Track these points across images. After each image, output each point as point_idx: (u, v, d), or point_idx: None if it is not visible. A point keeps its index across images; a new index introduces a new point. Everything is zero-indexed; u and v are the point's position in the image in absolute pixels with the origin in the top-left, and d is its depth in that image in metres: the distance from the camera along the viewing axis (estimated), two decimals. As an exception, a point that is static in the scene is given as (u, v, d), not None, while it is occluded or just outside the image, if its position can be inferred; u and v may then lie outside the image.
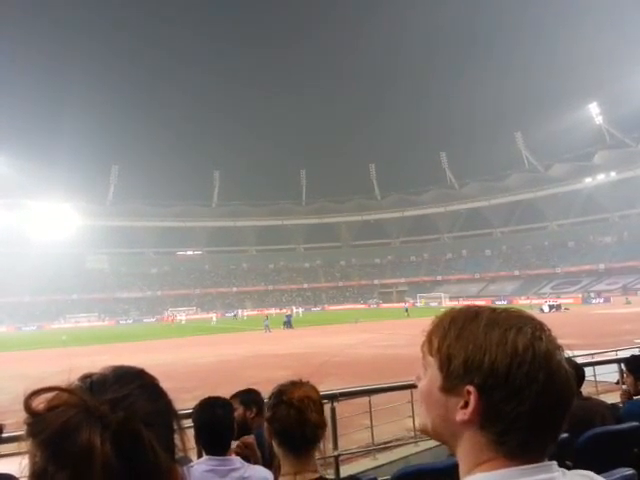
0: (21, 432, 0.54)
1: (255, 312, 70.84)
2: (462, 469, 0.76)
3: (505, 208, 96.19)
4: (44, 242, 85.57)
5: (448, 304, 69.09)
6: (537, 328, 0.75)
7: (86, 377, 0.64)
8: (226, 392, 2.89)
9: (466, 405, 0.74)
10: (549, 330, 0.77)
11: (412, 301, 71.54)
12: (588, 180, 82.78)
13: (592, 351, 10.31)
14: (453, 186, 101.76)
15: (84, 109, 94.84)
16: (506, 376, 0.71)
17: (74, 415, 0.57)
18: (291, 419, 1.58)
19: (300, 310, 57.92)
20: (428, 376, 0.80)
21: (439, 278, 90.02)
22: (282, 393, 1.66)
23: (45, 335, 48.09)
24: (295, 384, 1.71)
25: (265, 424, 1.66)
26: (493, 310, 0.79)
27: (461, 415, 0.74)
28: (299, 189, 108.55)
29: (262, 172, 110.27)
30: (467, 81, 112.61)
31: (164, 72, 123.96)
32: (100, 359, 22.93)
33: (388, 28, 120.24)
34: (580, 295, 63.98)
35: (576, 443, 1.96)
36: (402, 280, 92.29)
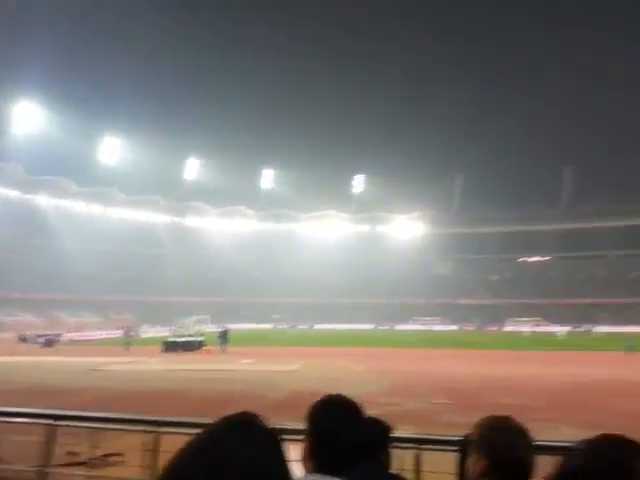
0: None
1: (612, 328, 61.41)
2: None
3: None
4: (396, 249, 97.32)
5: None
6: None
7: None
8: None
9: None
10: None
11: None
12: None
13: None
14: None
15: (430, 124, 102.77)
16: None
17: None
18: None
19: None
20: None
21: None
22: None
23: (397, 334, 54.03)
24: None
25: None
26: None
27: None
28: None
29: (623, 162, 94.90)
30: None
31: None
32: (450, 364, 24.18)
33: None
34: None
35: None
36: None
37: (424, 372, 20.62)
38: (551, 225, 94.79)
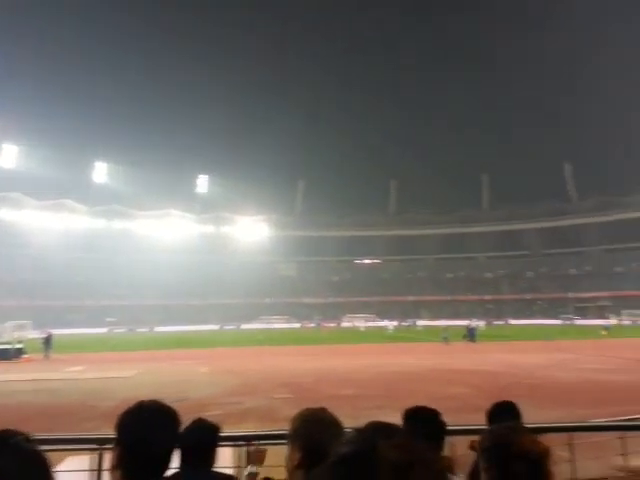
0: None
1: (431, 322, 69.40)
2: None
3: None
4: (243, 251, 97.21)
5: (665, 324, 58.58)
6: None
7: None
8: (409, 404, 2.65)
9: None
10: None
11: (618, 318, 62.31)
12: None
13: None
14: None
15: (274, 130, 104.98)
16: None
17: (431, 473, 0.63)
18: (529, 477, 1.31)
19: (481, 323, 54.64)
20: None
21: (652, 293, 76.85)
22: (509, 443, 1.37)
23: (243, 334, 54.06)
24: (515, 430, 1.45)
25: (485, 477, 1.42)
26: None
27: None
28: (480, 194, 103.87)
29: (439, 178, 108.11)
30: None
31: (345, 85, 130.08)
32: (293, 359, 24.87)
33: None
34: None
35: None
36: (604, 294, 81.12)
37: (268, 369, 20.91)
38: (381, 231, 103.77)
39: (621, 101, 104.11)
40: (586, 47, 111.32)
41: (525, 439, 1.40)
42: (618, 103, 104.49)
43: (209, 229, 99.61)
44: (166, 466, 1.64)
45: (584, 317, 74.48)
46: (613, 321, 55.49)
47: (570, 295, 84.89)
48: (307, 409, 1.61)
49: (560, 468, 5.62)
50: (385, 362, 23.32)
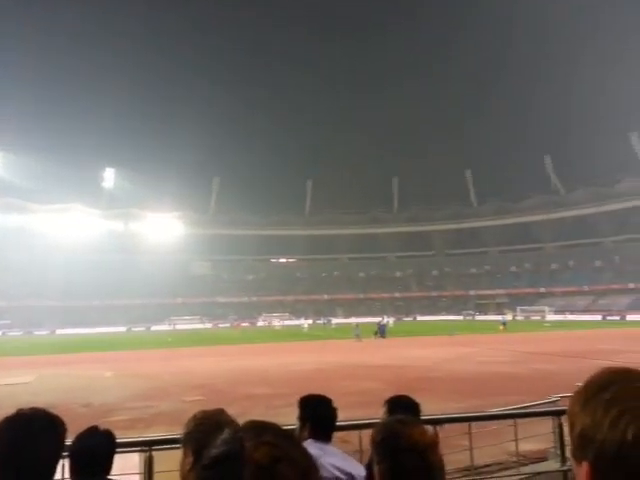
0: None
1: (345, 320, 71.15)
2: None
3: (617, 215, 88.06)
4: (154, 249, 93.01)
5: (552, 318, 64.63)
6: None
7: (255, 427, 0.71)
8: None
9: None
10: None
11: (513, 314, 67.68)
12: None
13: None
14: (558, 192, 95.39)
15: (189, 124, 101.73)
16: (613, 462, 0.65)
17: (297, 469, 0.63)
18: (418, 468, 1.38)
19: (391, 320, 56.98)
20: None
21: (542, 290, 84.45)
22: (399, 436, 1.43)
23: (152, 336, 51.93)
24: (404, 423, 1.52)
25: (377, 468, 1.48)
26: (629, 381, 0.71)
27: None
28: (391, 197, 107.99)
29: (353, 180, 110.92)
30: (574, 79, 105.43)
31: (260, 82, 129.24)
32: (205, 361, 24.29)
33: (489, 27, 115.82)
34: None
35: None
36: (501, 291, 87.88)
37: (178, 372, 20.28)
38: (297, 231, 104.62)
39: (518, 116, 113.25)
40: (490, 63, 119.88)
41: (414, 431, 1.46)
42: (515, 119, 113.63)
43: (117, 226, 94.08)
44: (47, 478, 1.54)
45: (484, 313, 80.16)
46: (509, 317, 60.15)
47: (471, 293, 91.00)
48: (201, 411, 1.58)
49: (460, 456, 6.04)
50: (300, 360, 23.53)
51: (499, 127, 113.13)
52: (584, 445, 0.70)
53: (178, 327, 69.46)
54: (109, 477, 2.33)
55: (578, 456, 0.72)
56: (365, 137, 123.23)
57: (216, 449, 0.68)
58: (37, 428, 1.52)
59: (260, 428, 0.71)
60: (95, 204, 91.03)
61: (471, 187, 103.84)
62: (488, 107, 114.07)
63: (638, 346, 24.82)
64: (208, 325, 74.57)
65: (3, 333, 62.37)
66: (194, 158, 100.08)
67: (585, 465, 0.70)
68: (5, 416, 1.53)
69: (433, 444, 1.46)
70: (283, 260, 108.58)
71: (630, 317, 61.50)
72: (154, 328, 69.81)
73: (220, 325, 74.89)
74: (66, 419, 2.28)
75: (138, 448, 4.29)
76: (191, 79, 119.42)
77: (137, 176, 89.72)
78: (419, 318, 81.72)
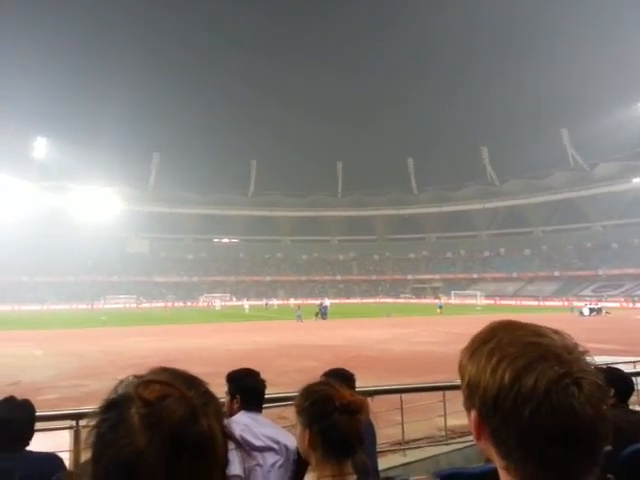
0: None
1: (285, 302, 71.47)
2: None
3: (547, 207, 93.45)
4: (88, 225, 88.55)
5: (483, 302, 68.00)
6: (535, 359, 0.69)
7: (159, 372, 0.70)
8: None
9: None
10: (560, 358, 0.69)
11: (446, 298, 70.59)
12: (636, 180, 79.29)
13: (635, 359, 9.95)
14: (493, 182, 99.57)
15: (128, 93, 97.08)
16: (494, 406, 0.69)
17: (187, 405, 0.62)
18: (347, 426, 1.49)
19: (328, 302, 57.79)
20: None
21: (475, 276, 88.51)
22: (331, 399, 1.53)
23: (87, 315, 50.00)
24: (335, 388, 1.61)
25: (307, 431, 1.56)
26: (510, 332, 0.74)
27: (475, 437, 0.75)
28: (335, 181, 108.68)
29: (299, 162, 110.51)
30: (510, 73, 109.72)
31: (206, 56, 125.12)
32: (141, 340, 23.72)
33: (424, 16, 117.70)
34: (623, 298, 62.02)
35: (619, 457, 1.92)
36: (437, 276, 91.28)
37: (113, 351, 19.71)
38: (240, 211, 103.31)
39: (458, 108, 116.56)
40: (429, 50, 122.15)
41: (344, 393, 1.57)
42: (455, 110, 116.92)
43: (49, 199, 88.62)
44: None
45: (420, 297, 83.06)
46: (445, 300, 62.68)
47: (409, 277, 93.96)
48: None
49: (392, 430, 6.32)
50: (240, 340, 23.51)
51: (439, 118, 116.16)
52: (471, 394, 0.73)
53: (113, 306, 67.14)
54: (29, 449, 2.29)
55: (468, 406, 0.75)
56: (313, 120, 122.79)
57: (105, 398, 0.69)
58: None
59: (160, 370, 0.71)
60: (25, 175, 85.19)
61: (412, 175, 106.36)
62: (429, 99, 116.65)
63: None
64: (146, 305, 72.54)
65: None
66: (133, 131, 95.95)
67: (473, 413, 0.73)
68: None
69: (364, 405, 1.56)
70: (225, 240, 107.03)
71: (552, 303, 65.85)
72: (87, 307, 67.05)
73: (157, 305, 73.06)
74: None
75: (67, 424, 4.21)
76: (130, 45, 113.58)
77: (71, 147, 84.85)
78: (360, 301, 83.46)
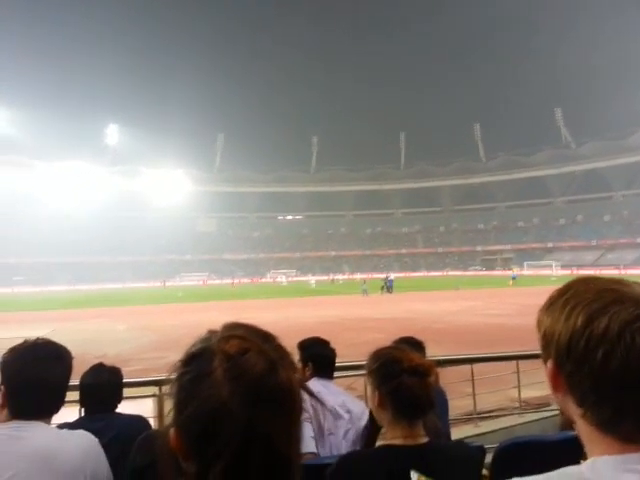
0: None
1: (351, 276, 71.75)
2: (585, 445, 0.72)
3: (628, 169, 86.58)
4: (160, 206, 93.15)
5: (559, 273, 64.84)
6: (610, 302, 0.68)
7: (234, 327, 0.72)
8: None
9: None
10: (638, 301, 0.68)
11: (519, 269, 67.95)
12: None
13: None
14: (569, 145, 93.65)
15: (192, 77, 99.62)
16: (567, 351, 0.69)
17: (265, 359, 0.65)
18: (416, 388, 1.52)
19: (393, 276, 57.42)
20: None
21: (550, 245, 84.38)
22: (400, 360, 1.56)
23: (162, 292, 52.83)
24: (403, 351, 1.64)
25: (376, 392, 1.59)
26: (586, 283, 0.74)
27: (552, 388, 0.74)
28: (398, 152, 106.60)
29: (360, 136, 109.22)
30: (585, 30, 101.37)
31: (268, 32, 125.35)
32: (215, 314, 24.79)
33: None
34: None
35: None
36: (508, 247, 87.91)
37: (189, 325, 20.71)
38: (303, 187, 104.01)
39: (527, 67, 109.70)
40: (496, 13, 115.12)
41: (413, 356, 1.59)
42: (524, 69, 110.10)
43: (122, 183, 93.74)
44: (57, 403, 1.61)
45: (491, 269, 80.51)
46: (519, 272, 60.49)
47: (478, 249, 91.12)
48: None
49: (463, 402, 6.23)
50: (306, 314, 23.95)
51: (508, 79, 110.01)
52: (547, 344, 0.73)
53: (187, 283, 70.37)
54: (117, 412, 2.45)
55: (544, 357, 0.75)
56: (375, 91, 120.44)
57: (192, 348, 0.74)
58: (43, 355, 1.58)
59: (235, 325, 0.73)
60: (99, 161, 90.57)
61: (480, 141, 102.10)
62: (496, 58, 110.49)
63: None
64: (217, 281, 75.40)
65: (17, 289, 63.65)
66: (198, 115, 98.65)
67: (549, 363, 0.72)
68: (12, 346, 1.59)
69: (432, 368, 1.57)
70: (289, 217, 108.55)
71: (635, 271, 61.65)
72: (165, 284, 70.75)
73: (225, 282, 75.66)
74: (82, 369, 2.38)
75: (151, 391, 4.45)
76: (195, 33, 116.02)
77: (141, 133, 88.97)
78: (426, 274, 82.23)
